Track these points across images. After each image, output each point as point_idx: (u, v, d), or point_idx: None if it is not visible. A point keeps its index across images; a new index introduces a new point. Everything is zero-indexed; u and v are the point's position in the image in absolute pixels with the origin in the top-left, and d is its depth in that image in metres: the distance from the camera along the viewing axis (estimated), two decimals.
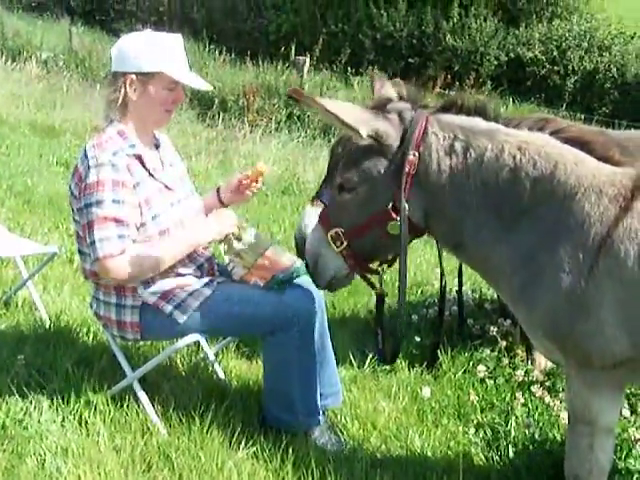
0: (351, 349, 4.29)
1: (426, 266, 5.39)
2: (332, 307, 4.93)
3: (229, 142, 10.81)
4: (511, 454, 3.44)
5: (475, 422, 3.74)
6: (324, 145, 10.95)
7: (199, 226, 3.45)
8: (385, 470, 3.26)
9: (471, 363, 4.25)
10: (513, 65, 18.93)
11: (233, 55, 16.90)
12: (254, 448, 3.30)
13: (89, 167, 3.24)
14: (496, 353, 4.29)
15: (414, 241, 3.09)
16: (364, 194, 2.87)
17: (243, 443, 3.32)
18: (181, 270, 3.44)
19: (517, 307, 2.82)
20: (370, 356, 4.21)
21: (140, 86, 3.33)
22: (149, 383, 3.71)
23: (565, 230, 2.60)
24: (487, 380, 4.09)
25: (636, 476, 3.23)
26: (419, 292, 5.42)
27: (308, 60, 13.76)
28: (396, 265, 2.99)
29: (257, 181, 3.65)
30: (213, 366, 4.05)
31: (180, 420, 3.47)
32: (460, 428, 3.69)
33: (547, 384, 4.04)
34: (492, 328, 4.41)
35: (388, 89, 3.06)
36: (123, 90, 3.34)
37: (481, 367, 4.15)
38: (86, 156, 3.29)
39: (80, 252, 3.48)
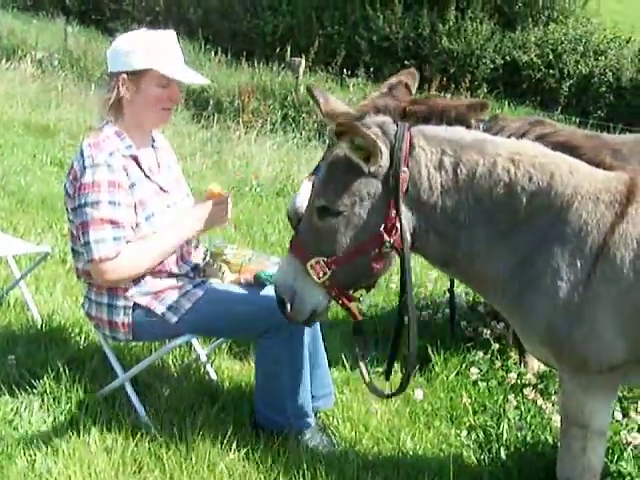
0: (343, 351, 4.28)
1: (419, 268, 5.38)
2: None
3: (224, 143, 10.80)
4: (503, 456, 3.43)
5: (467, 424, 3.74)
6: (319, 147, 10.94)
7: (186, 218, 3.41)
8: (377, 472, 3.26)
9: (464, 365, 4.24)
10: (509, 68, 18.93)
11: (229, 56, 16.89)
12: (246, 449, 3.29)
13: (85, 167, 3.23)
14: (489, 356, 4.29)
15: None
16: (353, 217, 2.65)
17: (235, 444, 3.30)
18: (174, 271, 3.43)
19: (513, 316, 2.80)
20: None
21: (133, 85, 3.32)
22: (141, 384, 3.71)
23: (562, 238, 2.58)
24: (480, 382, 4.09)
25: (628, 479, 3.22)
26: (417, 291, 5.40)
27: (304, 61, 13.75)
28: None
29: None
30: (205, 367, 4.04)
31: (171, 421, 3.46)
32: (452, 430, 3.68)
33: (540, 387, 4.03)
34: (485, 331, 4.41)
35: (334, 101, 2.88)
36: (116, 90, 3.33)
37: (474, 369, 4.14)
38: (82, 155, 3.27)
39: (73, 251, 3.47)
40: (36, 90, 12.81)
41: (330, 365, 3.78)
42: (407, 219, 2.66)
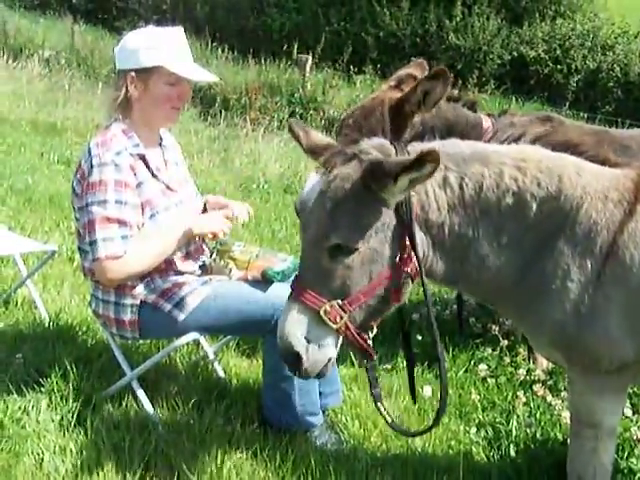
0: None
1: None
2: None
3: (231, 140, 10.78)
4: (512, 453, 3.42)
5: (476, 421, 3.73)
6: None
7: (188, 218, 3.39)
8: (386, 469, 3.25)
9: (472, 362, 4.24)
10: (516, 64, 18.87)
11: (236, 53, 16.86)
12: (254, 447, 3.28)
13: (92, 165, 3.22)
14: (498, 352, 4.28)
15: None
16: (368, 252, 2.44)
17: (243, 442, 3.30)
18: (182, 268, 3.42)
19: (522, 320, 2.76)
20: None
21: (141, 83, 3.30)
22: (148, 382, 3.70)
23: (572, 240, 2.54)
24: (488, 379, 4.08)
25: (638, 475, 3.21)
26: (420, 291, 5.38)
27: (311, 58, 13.71)
28: None
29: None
30: (213, 365, 4.03)
31: (179, 419, 3.45)
32: (461, 427, 3.67)
33: (549, 383, 4.02)
34: (493, 327, 4.40)
35: (315, 135, 2.65)
36: (125, 88, 3.31)
37: (482, 366, 4.13)
38: (90, 154, 3.26)
39: (80, 250, 3.47)
40: (43, 89, 12.83)
41: (338, 362, 3.76)
42: (421, 244, 2.52)
